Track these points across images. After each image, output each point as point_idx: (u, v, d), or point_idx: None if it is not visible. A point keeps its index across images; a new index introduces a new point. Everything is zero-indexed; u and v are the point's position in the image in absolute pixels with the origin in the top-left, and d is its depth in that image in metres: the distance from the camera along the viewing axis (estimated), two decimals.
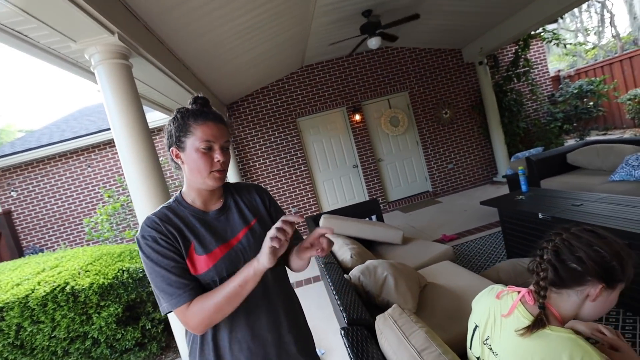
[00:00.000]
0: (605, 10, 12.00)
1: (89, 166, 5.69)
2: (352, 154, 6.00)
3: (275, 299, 0.99)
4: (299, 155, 5.81)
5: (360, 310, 1.42)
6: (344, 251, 2.33)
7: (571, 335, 0.78)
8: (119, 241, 5.25)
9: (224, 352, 0.91)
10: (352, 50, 4.86)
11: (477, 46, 5.65)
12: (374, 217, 3.61)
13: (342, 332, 1.25)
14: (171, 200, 0.98)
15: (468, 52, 5.96)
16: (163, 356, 2.91)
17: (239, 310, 0.87)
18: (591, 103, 6.45)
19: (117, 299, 2.62)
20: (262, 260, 0.79)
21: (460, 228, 4.11)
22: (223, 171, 0.92)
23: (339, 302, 1.51)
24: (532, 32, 5.71)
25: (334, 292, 1.62)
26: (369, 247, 2.89)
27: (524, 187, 2.99)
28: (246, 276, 0.82)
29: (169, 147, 0.95)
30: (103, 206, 5.20)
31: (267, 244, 0.79)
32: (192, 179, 0.94)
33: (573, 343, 0.76)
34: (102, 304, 2.54)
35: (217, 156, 0.90)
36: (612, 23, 12.77)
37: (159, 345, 2.85)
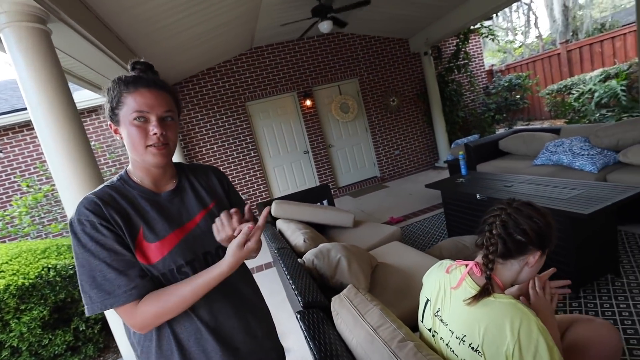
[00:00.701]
0: (530, 12, 13.24)
1: (0, 152, 4.92)
2: (303, 139, 5.97)
3: (238, 284, 0.93)
4: (249, 140, 5.62)
5: (315, 293, 1.42)
6: (296, 236, 2.31)
7: (511, 300, 0.84)
8: (44, 236, 4.67)
9: (189, 345, 0.82)
10: (302, 33, 4.75)
11: (423, 37, 5.88)
12: (325, 201, 3.64)
13: (298, 316, 1.23)
14: (115, 178, 0.85)
15: (414, 42, 6.19)
16: (101, 358, 2.68)
17: (201, 298, 0.80)
18: (518, 96, 7.15)
19: (42, 301, 2.33)
20: (231, 266, 0.75)
21: (407, 211, 4.34)
22: (164, 146, 0.80)
23: (293, 287, 1.49)
24: (472, 27, 6.09)
25: (288, 277, 1.60)
26: (321, 232, 2.91)
27: (463, 171, 3.22)
28: (209, 281, 0.75)
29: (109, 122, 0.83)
30: (21, 197, 4.55)
31: (237, 252, 0.74)
32: (132, 156, 0.82)
33: (513, 307, 0.82)
34: (22, 307, 2.24)
35: (153, 128, 0.77)
36: (535, 24, 14.17)
37: (95, 347, 2.62)
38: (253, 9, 4.00)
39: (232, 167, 5.59)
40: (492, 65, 9.26)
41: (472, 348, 0.87)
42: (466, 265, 0.99)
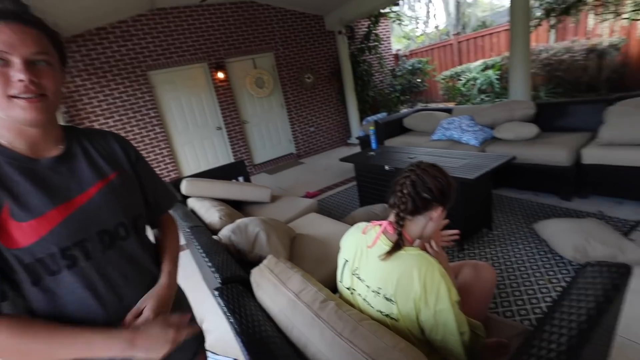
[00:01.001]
0: (430, 4, 14.53)
1: None
2: (216, 114, 5.61)
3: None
4: (153, 114, 5.04)
5: (234, 268, 1.38)
6: (211, 213, 2.20)
7: (419, 251, 0.95)
8: None
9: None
10: None
11: (338, 15, 5.97)
12: (240, 178, 3.53)
13: (217, 293, 1.19)
14: None
15: (330, 20, 6.24)
16: None
17: None
18: (419, 80, 7.90)
19: None
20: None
21: (322, 185, 4.51)
22: (39, 98, 0.64)
23: (210, 264, 1.42)
24: (382, 11, 6.40)
25: (204, 255, 1.52)
26: (238, 208, 2.83)
27: (374, 145, 3.46)
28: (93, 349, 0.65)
29: None
30: None
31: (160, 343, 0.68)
32: None
33: (420, 257, 0.93)
34: None
35: (17, 74, 0.61)
36: (434, 16, 15.66)
37: None
38: None
39: (134, 144, 4.95)
40: (398, 50, 9.97)
41: (386, 298, 0.96)
42: (380, 225, 1.07)
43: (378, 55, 6.86)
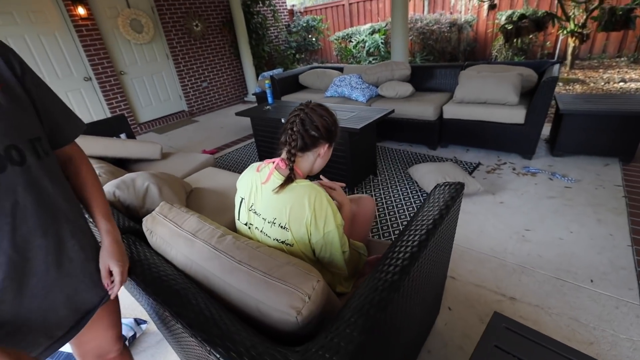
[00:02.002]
0: None
1: None
2: (82, 62, 4.64)
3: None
4: None
5: (122, 220, 1.28)
6: None
7: (309, 182, 1.05)
8: None
9: None
10: None
11: None
12: (123, 135, 3.11)
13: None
14: None
15: None
16: None
17: None
18: (314, 38, 7.96)
19: None
20: None
21: (219, 143, 4.32)
22: None
23: (92, 222, 1.28)
24: None
25: (87, 215, 1.35)
26: (123, 168, 2.53)
27: (270, 99, 3.44)
28: None
29: None
30: None
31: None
32: None
33: (310, 187, 1.03)
34: None
35: None
36: None
37: None
38: None
39: None
40: (293, 6, 9.73)
41: (281, 227, 1.05)
42: (273, 163, 1.13)
43: (272, 7, 6.58)
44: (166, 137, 4.91)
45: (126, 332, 1.57)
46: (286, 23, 7.55)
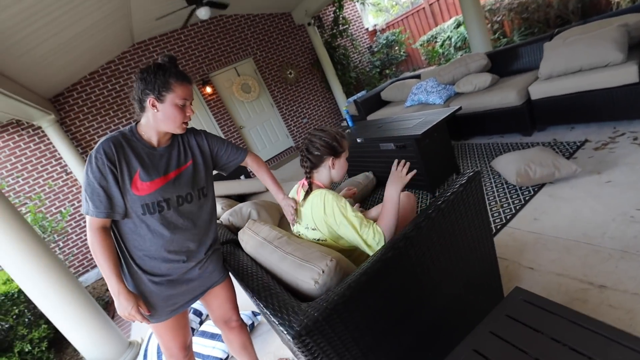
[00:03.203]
0: None
1: None
2: (213, 126, 6.08)
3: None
4: None
5: (228, 235, 1.82)
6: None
7: (321, 189, 1.34)
8: None
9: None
10: (184, 22, 4.77)
11: (302, 9, 6.27)
12: (242, 177, 3.98)
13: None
14: (126, 129, 1.22)
15: (297, 14, 6.55)
16: None
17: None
18: (402, 51, 8.07)
19: None
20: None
21: None
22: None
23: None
24: None
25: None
26: (242, 199, 3.29)
27: (350, 123, 3.82)
28: (107, 275, 1.14)
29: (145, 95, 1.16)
30: None
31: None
32: (161, 126, 1.20)
33: (319, 190, 1.33)
34: None
35: (189, 110, 1.23)
36: None
37: None
38: (123, 4, 3.93)
39: None
40: (375, 25, 10.11)
41: (313, 229, 1.37)
42: (301, 183, 1.47)
43: (349, 37, 7.11)
44: (279, 172, 5.84)
45: (246, 320, 2.10)
46: (368, 45, 7.95)
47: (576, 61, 2.65)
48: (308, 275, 1.08)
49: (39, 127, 4.58)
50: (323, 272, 1.08)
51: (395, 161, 1.33)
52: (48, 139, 4.67)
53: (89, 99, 5.06)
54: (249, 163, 1.52)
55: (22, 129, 4.57)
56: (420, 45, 8.05)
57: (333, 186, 1.52)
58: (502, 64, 3.59)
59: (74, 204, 4.93)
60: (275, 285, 1.17)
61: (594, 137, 2.63)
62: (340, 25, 6.91)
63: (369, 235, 1.24)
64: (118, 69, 5.24)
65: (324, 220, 1.30)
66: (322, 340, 0.91)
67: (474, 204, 1.26)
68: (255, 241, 1.52)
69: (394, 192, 1.26)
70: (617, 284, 1.44)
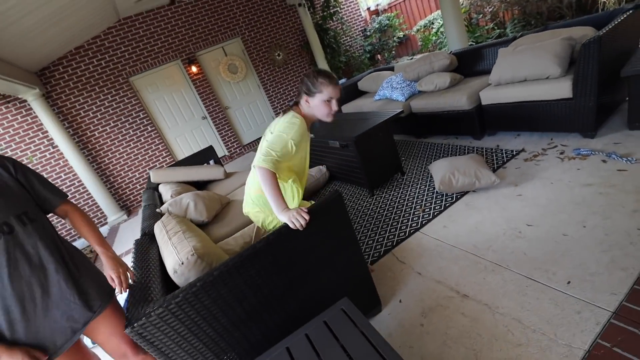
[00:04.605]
0: None
1: None
2: (199, 106, 6.20)
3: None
4: (142, 116, 5.72)
5: (149, 227, 2.01)
6: (168, 193, 2.85)
7: (300, 117, 1.49)
8: None
9: None
10: None
11: None
12: (211, 161, 4.15)
13: (134, 243, 1.82)
14: None
15: None
16: None
17: None
18: (398, 34, 7.89)
19: None
20: None
21: None
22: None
23: (144, 225, 2.08)
24: None
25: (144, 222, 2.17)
26: (203, 187, 3.47)
27: None
28: None
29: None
30: None
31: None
32: None
33: (300, 119, 1.47)
34: None
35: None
36: None
37: None
38: None
39: (132, 146, 5.69)
40: (378, 5, 9.82)
41: (271, 133, 1.51)
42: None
43: (340, 20, 6.99)
44: None
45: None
46: (362, 28, 7.80)
47: (522, 71, 2.67)
48: (171, 264, 1.29)
49: (25, 101, 4.78)
50: (182, 263, 1.28)
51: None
52: (34, 113, 4.88)
53: (74, 73, 5.20)
54: (68, 213, 1.34)
55: (9, 102, 4.77)
56: (417, 30, 7.87)
57: (314, 125, 1.63)
58: (467, 64, 3.59)
59: (60, 178, 5.20)
60: (155, 275, 1.37)
61: (531, 147, 2.70)
62: (332, 8, 6.78)
63: (268, 156, 1.38)
64: (104, 45, 5.34)
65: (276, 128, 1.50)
66: (158, 333, 1.11)
67: (333, 222, 1.41)
68: (161, 233, 1.72)
69: (280, 214, 1.35)
70: (477, 295, 1.60)
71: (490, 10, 6.09)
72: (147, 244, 1.78)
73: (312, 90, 1.46)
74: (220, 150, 6.43)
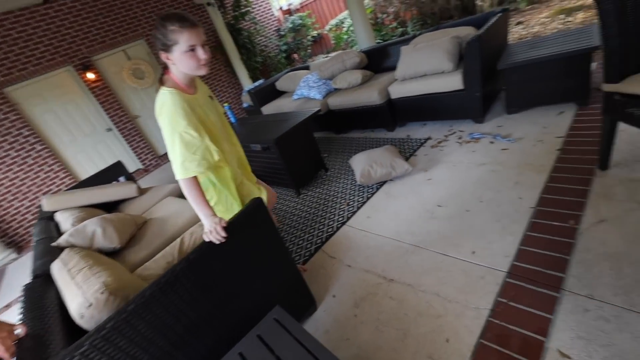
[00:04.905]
0: None
1: None
2: (101, 117, 5.51)
3: None
4: (27, 133, 4.86)
5: (41, 267, 1.72)
6: (67, 222, 2.48)
7: (169, 89, 1.24)
8: None
9: None
10: None
11: None
12: (122, 178, 3.73)
13: (23, 289, 1.54)
14: None
15: None
16: None
17: None
18: (309, 35, 8.05)
19: None
20: None
21: None
22: None
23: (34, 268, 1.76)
24: None
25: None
26: (112, 208, 3.10)
27: (232, 119, 3.76)
28: None
29: None
30: None
31: None
32: None
33: (169, 91, 1.23)
34: None
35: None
36: None
37: None
38: None
39: (16, 169, 4.78)
40: (290, 4, 9.88)
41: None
42: None
43: (252, 19, 6.88)
44: None
45: None
46: (276, 28, 7.78)
47: (422, 67, 2.94)
48: (75, 308, 1.12)
49: None
50: (90, 305, 1.12)
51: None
52: None
53: None
54: None
55: None
56: (330, 29, 8.13)
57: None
58: (376, 61, 3.83)
59: None
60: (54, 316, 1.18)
61: (435, 134, 3.00)
62: (243, 7, 6.61)
63: (177, 160, 1.21)
64: None
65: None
66: None
67: (258, 230, 1.38)
68: (62, 271, 1.48)
69: (204, 219, 1.27)
70: (401, 277, 1.72)
71: (392, 10, 6.57)
72: (40, 288, 1.52)
73: (167, 44, 1.17)
74: (133, 164, 5.82)
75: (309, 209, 2.66)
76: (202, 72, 1.24)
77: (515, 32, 4.77)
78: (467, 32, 2.95)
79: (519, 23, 5.09)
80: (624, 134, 1.94)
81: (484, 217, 1.88)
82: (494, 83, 2.98)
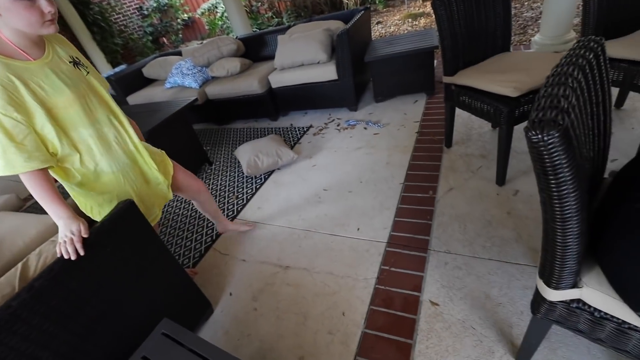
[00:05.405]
0: None
1: None
2: None
3: None
4: None
5: None
6: None
7: None
8: None
9: None
10: None
11: None
12: None
13: None
14: None
15: None
16: None
17: None
18: (183, 16, 7.28)
19: None
20: None
21: None
22: None
23: None
24: None
25: None
26: None
27: None
28: None
29: None
30: None
31: None
32: None
33: None
34: None
35: None
36: None
37: None
38: None
39: None
40: None
41: None
42: None
43: None
44: None
45: None
46: (137, 5, 6.79)
47: (299, 57, 3.01)
48: None
49: None
50: None
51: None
52: None
53: None
54: None
55: None
56: (202, 13, 7.55)
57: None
58: (254, 49, 3.74)
59: None
60: None
61: (317, 122, 3.15)
62: None
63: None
64: None
65: None
66: None
67: (132, 235, 1.18)
68: None
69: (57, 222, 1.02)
70: (296, 263, 1.76)
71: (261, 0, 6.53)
72: None
73: None
74: None
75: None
76: (49, 30, 0.96)
77: (376, 31, 5.38)
78: (337, 25, 3.15)
79: (378, 23, 5.74)
80: (460, 118, 2.42)
81: (364, 196, 2.07)
82: (362, 74, 3.28)
